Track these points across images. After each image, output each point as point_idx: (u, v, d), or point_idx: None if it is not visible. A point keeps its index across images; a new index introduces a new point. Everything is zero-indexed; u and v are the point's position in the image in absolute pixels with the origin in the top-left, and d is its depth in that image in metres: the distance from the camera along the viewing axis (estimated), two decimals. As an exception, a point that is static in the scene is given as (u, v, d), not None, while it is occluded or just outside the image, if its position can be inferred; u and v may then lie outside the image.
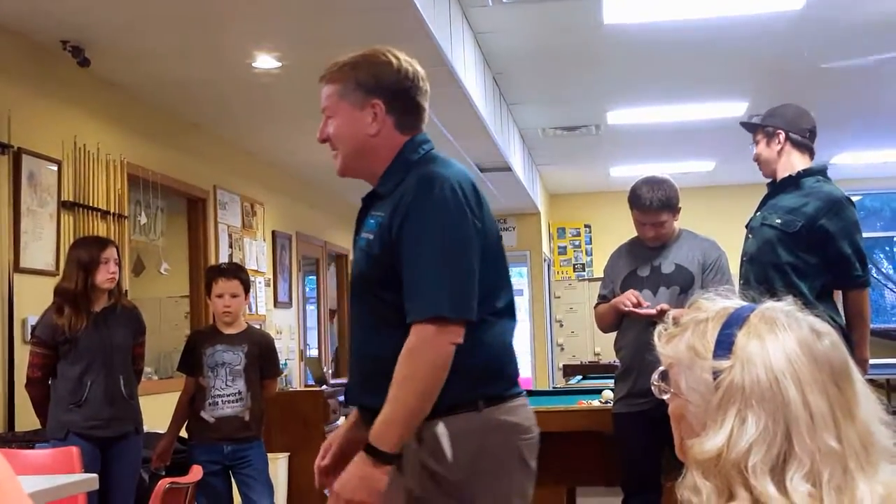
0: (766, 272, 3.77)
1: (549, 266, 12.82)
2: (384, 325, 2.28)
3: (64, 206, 5.24)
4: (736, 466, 1.17)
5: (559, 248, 13.14)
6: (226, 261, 7.01)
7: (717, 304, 1.30)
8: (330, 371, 10.07)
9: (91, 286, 4.37)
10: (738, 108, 8.20)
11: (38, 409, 4.44)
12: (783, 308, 1.26)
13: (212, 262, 6.88)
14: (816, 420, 1.16)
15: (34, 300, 4.76)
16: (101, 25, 4.90)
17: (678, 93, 7.83)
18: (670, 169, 9.21)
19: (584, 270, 13.03)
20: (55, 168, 5.20)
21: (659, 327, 1.34)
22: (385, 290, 2.26)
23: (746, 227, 4.01)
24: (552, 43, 6.48)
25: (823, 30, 6.22)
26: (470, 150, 7.44)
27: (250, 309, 7.50)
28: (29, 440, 4.44)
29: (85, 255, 4.40)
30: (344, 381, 9.45)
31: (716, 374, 1.22)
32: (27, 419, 4.63)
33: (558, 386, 7.18)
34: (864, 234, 3.93)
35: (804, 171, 3.86)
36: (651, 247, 4.21)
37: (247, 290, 4.87)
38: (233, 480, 4.75)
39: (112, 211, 5.64)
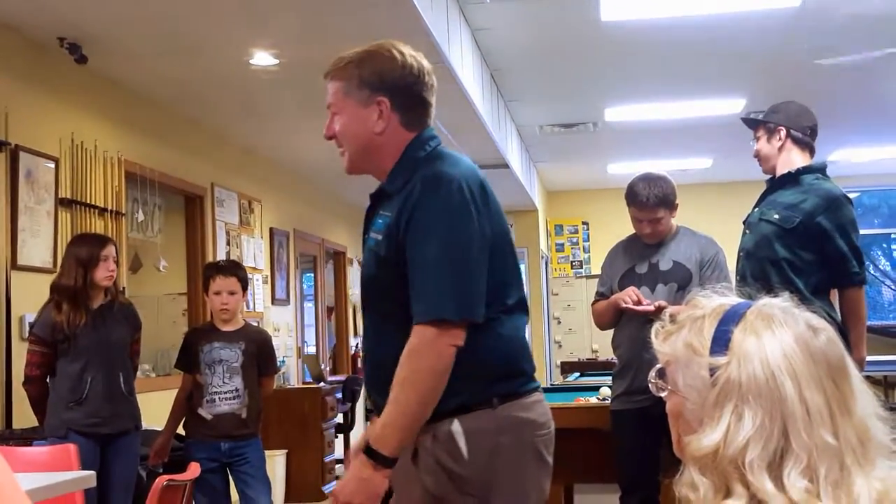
0: (762, 267, 3.77)
1: (546, 263, 12.83)
2: (396, 326, 2.26)
3: (61, 203, 5.24)
4: (733, 462, 1.17)
5: (557, 245, 13.14)
6: (223, 258, 7.00)
7: (713, 300, 1.30)
8: (328, 368, 10.07)
9: (90, 283, 4.37)
10: (735, 105, 8.21)
11: (37, 407, 4.43)
12: (780, 304, 1.26)
13: (209, 259, 6.88)
14: (813, 416, 1.17)
15: (31, 297, 4.75)
16: (98, 22, 4.90)
17: (676, 90, 7.84)
18: (668, 166, 9.22)
19: (581, 267, 13.04)
20: (52, 165, 5.19)
21: (656, 324, 1.35)
22: (395, 291, 2.25)
23: (744, 223, 4.02)
24: (550, 40, 6.48)
25: (820, 26, 6.22)
26: (467, 148, 7.44)
27: (248, 306, 7.50)
28: (27, 437, 4.43)
29: (84, 252, 4.39)
30: (341, 378, 9.47)
31: (713, 370, 1.22)
32: (24, 416, 4.62)
33: (556, 383, 7.19)
34: (862, 231, 3.94)
35: (804, 168, 3.87)
36: (649, 244, 4.21)
37: (244, 288, 4.87)
38: (230, 477, 4.75)
39: (109, 208, 5.64)
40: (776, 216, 3.79)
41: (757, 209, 3.95)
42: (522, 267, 12.15)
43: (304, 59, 5.53)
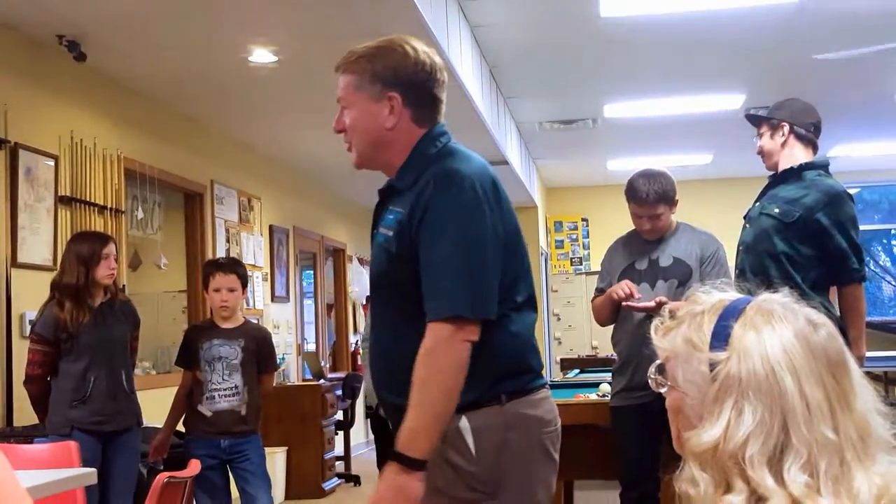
0: (761, 261, 3.77)
1: (546, 260, 12.83)
2: (405, 321, 2.26)
3: (61, 201, 5.24)
4: (733, 458, 1.17)
5: (556, 241, 13.14)
6: (223, 255, 7.00)
7: (713, 296, 1.30)
8: (327, 365, 10.07)
9: (91, 281, 4.37)
10: (735, 101, 8.20)
11: (38, 406, 4.43)
12: (779, 300, 1.26)
13: (209, 256, 6.88)
14: (813, 411, 1.17)
15: (32, 295, 4.75)
16: (97, 20, 4.90)
17: (675, 86, 7.83)
18: (667, 162, 9.22)
19: (581, 264, 13.04)
20: (52, 163, 5.19)
21: (656, 320, 1.34)
22: (406, 288, 2.24)
23: (745, 217, 4.02)
24: (549, 36, 6.47)
25: (820, 21, 6.22)
26: (466, 144, 7.36)
27: (248, 303, 7.50)
28: (27, 435, 4.44)
29: (86, 249, 4.39)
30: (341, 375, 9.47)
31: (712, 366, 1.22)
32: (25, 414, 4.63)
33: (556, 379, 7.18)
34: (861, 227, 3.94)
35: (806, 164, 3.87)
36: (649, 240, 4.20)
37: (244, 285, 4.86)
38: (230, 475, 4.75)
39: (109, 206, 5.64)
40: (776, 210, 3.79)
41: (758, 203, 3.95)
42: (522, 263, 12.14)
43: (303, 56, 5.53)
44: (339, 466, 8.81)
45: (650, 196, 4.07)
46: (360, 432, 10.45)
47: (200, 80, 6.03)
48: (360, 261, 11.21)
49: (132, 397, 4.52)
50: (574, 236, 13.14)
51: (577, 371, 8.01)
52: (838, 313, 3.73)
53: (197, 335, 4.81)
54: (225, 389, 4.67)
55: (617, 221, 5.41)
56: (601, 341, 11.39)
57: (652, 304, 3.95)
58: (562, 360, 11.20)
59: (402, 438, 2.14)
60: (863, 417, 1.19)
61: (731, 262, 4.10)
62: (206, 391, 4.66)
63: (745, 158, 9.77)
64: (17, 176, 4.89)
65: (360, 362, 9.43)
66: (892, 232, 15.23)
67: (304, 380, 9.07)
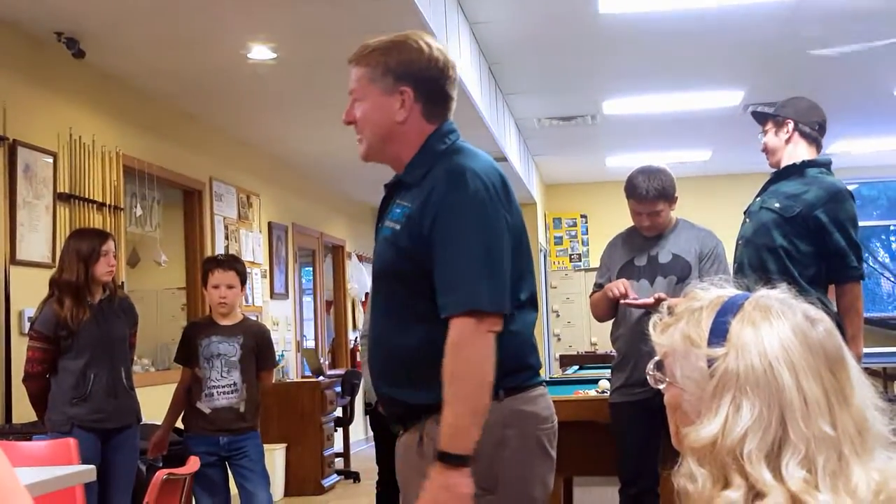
0: (760, 255, 3.78)
1: (545, 256, 12.83)
2: (409, 316, 2.26)
3: (60, 198, 5.24)
4: (731, 453, 1.17)
5: (555, 238, 13.14)
6: (222, 252, 7.00)
7: (711, 292, 1.30)
8: (326, 362, 10.08)
9: (91, 278, 4.37)
10: (734, 97, 8.20)
11: (37, 403, 4.42)
12: (777, 296, 1.26)
13: (208, 253, 6.88)
14: (811, 406, 1.17)
15: (30, 292, 4.75)
16: (95, 16, 4.89)
17: (674, 82, 7.83)
18: (667, 158, 9.21)
19: (580, 261, 13.04)
20: (51, 160, 5.19)
21: (654, 317, 1.35)
22: (412, 282, 2.25)
23: (745, 212, 4.02)
24: (548, 33, 6.47)
25: (819, 17, 6.22)
26: (466, 141, 7.42)
27: (247, 300, 7.51)
28: (26, 432, 4.44)
29: (85, 246, 4.38)
30: (340, 371, 9.48)
31: (710, 361, 1.22)
32: (24, 411, 4.63)
33: (555, 376, 7.18)
34: (860, 223, 3.94)
35: (809, 161, 3.88)
36: (648, 236, 4.21)
37: (243, 282, 4.87)
38: (229, 471, 4.75)
39: (108, 203, 5.64)
40: (777, 205, 3.80)
41: (759, 198, 3.96)
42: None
43: (301, 52, 5.53)
44: (339, 463, 8.82)
45: (650, 193, 4.07)
46: (360, 429, 10.45)
47: (199, 76, 6.03)
48: (359, 257, 11.22)
49: (132, 394, 4.53)
50: (573, 233, 13.14)
51: (576, 368, 8.01)
52: (836, 310, 3.74)
53: (196, 332, 4.82)
54: (224, 386, 4.67)
55: (616, 218, 5.41)
56: (600, 338, 11.39)
57: (651, 300, 3.95)
58: (561, 356, 11.21)
59: (444, 437, 2.13)
60: (860, 413, 1.20)
61: (731, 259, 4.10)
62: (205, 388, 4.67)
63: (745, 155, 9.77)
64: (16, 173, 4.89)
65: (359, 359, 9.43)
66: (891, 228, 15.24)
67: (303, 376, 9.08)
